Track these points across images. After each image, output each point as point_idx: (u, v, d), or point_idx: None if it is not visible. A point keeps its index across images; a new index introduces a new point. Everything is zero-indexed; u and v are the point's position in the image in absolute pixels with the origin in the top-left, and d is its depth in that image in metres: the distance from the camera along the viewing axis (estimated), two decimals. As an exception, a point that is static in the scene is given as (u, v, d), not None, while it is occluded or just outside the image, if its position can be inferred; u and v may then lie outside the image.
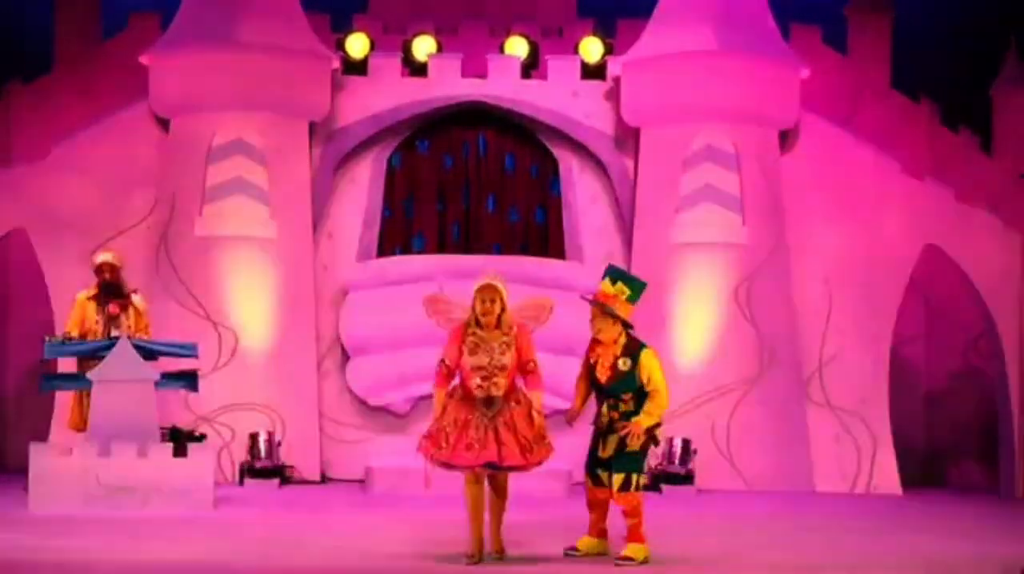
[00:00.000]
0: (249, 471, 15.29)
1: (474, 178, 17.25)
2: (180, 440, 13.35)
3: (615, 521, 10.13)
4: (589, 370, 10.06)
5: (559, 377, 12.06)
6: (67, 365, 14.30)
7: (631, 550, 9.90)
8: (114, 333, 13.40)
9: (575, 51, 17.08)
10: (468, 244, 17.07)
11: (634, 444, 9.84)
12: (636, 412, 9.89)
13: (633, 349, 9.96)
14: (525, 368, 9.78)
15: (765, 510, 13.94)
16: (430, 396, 10.25)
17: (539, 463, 9.83)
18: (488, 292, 9.74)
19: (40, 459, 12.47)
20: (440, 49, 17.05)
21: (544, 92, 17.02)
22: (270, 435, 15.46)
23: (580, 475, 10.50)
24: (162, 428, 13.47)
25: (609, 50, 17.01)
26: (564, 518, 11.90)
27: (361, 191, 17.08)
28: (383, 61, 16.96)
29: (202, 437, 14.34)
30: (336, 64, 16.62)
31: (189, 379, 13.52)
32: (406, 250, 17.04)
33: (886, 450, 16.48)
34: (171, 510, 12.26)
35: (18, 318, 17.05)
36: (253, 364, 15.99)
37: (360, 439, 16.55)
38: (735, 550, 10.88)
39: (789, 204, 16.65)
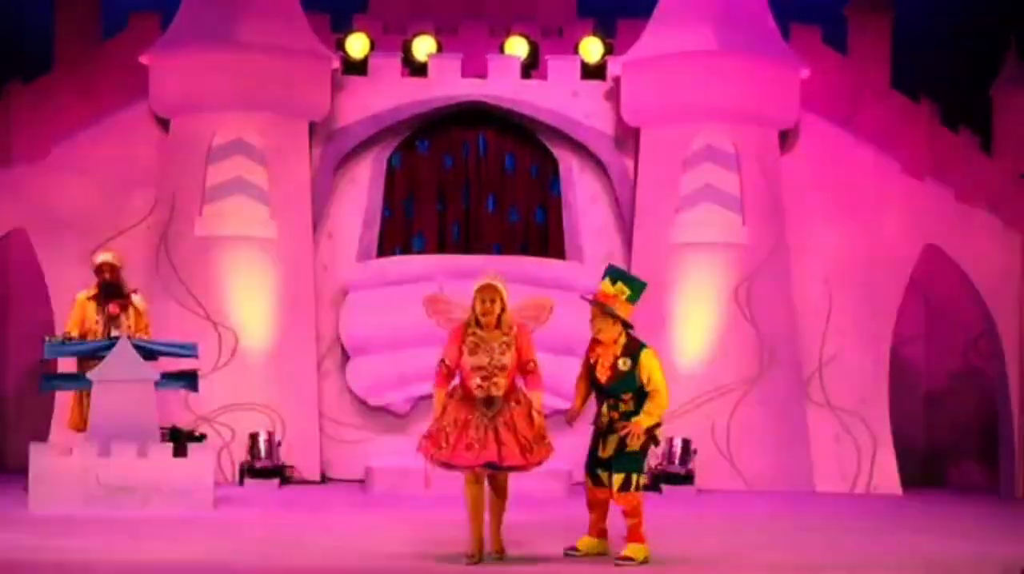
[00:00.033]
0: (249, 471, 15.28)
1: (474, 178, 17.25)
2: (180, 440, 13.34)
3: (615, 521, 10.13)
4: (589, 370, 10.06)
5: (559, 377, 12.05)
6: (67, 365, 14.29)
7: (631, 550, 9.90)
8: (114, 333, 13.39)
9: (575, 51, 17.08)
10: (468, 244, 17.06)
11: (634, 444, 9.83)
12: (636, 412, 9.88)
13: (633, 349, 9.96)
14: (525, 368, 9.77)
15: (765, 510, 13.94)
16: (430, 396, 10.24)
17: (539, 463, 9.82)
18: (488, 292, 9.73)
19: (40, 459, 12.46)
20: (440, 49, 17.04)
21: (544, 92, 17.02)
22: (270, 435, 15.46)
23: (580, 475, 10.50)
24: (162, 428, 13.46)
25: (609, 50, 17.01)
26: (564, 518, 11.89)
27: (361, 191, 17.08)
28: (383, 61, 16.95)
29: (202, 437, 14.33)
30: (336, 64, 16.62)
31: (189, 379, 13.52)
32: (406, 250, 17.03)
33: (886, 450, 16.48)
34: (171, 510, 12.25)
35: (18, 318, 17.03)
36: (253, 364, 15.99)
37: (360, 439, 16.54)
38: (735, 550, 10.88)
39: (789, 204, 16.64)
